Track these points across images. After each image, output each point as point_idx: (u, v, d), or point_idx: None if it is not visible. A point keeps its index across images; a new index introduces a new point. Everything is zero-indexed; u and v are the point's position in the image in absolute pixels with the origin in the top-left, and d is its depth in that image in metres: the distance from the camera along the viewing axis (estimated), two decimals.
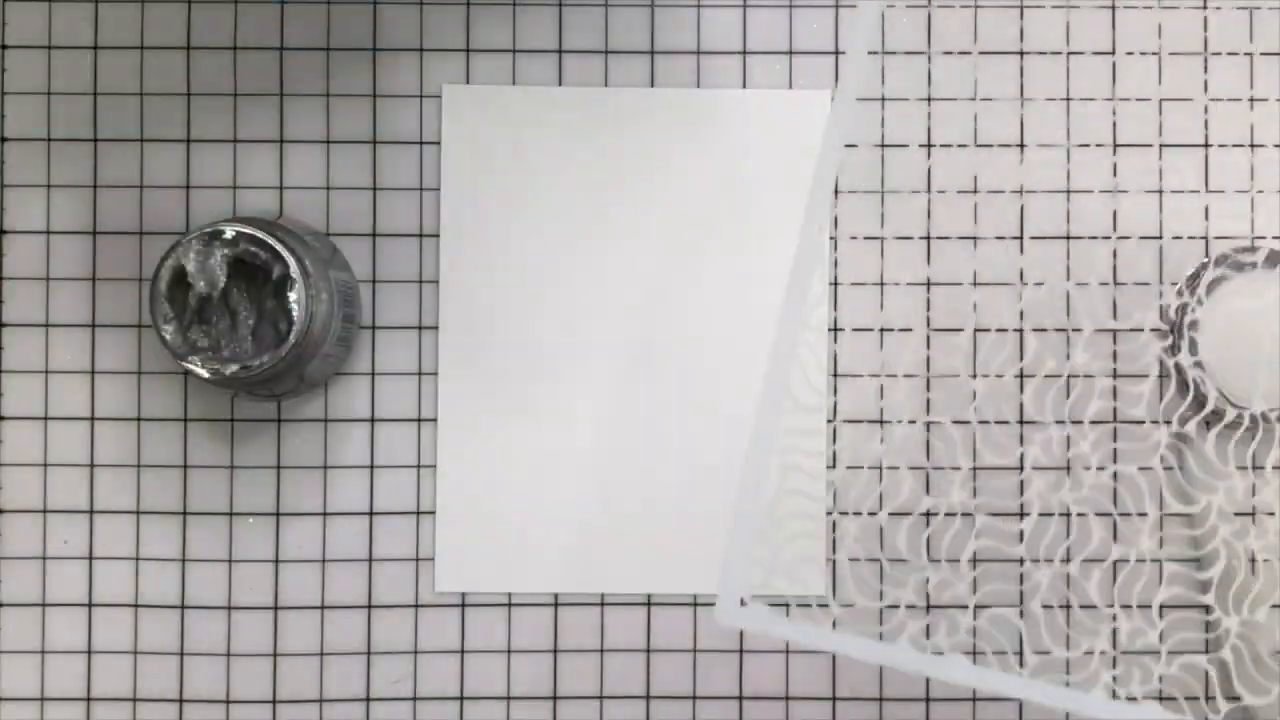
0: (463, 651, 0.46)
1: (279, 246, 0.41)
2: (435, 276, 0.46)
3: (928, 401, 0.46)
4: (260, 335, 0.42)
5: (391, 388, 0.46)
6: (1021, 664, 0.43)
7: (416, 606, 0.46)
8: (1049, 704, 0.33)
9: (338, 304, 0.43)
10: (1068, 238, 0.47)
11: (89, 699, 0.46)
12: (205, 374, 0.41)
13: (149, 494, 0.46)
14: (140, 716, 0.46)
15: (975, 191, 0.47)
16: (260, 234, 0.41)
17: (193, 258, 0.41)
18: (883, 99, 0.46)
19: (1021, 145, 0.47)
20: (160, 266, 0.41)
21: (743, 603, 0.33)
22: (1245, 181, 0.47)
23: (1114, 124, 0.47)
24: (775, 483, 0.34)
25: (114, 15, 0.47)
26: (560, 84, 0.46)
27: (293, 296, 0.41)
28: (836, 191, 0.46)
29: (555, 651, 0.46)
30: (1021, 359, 0.47)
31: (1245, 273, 0.45)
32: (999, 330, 0.47)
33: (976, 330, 0.47)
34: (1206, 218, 0.47)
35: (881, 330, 0.46)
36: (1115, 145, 0.47)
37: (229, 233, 0.41)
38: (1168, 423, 0.47)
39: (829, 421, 0.46)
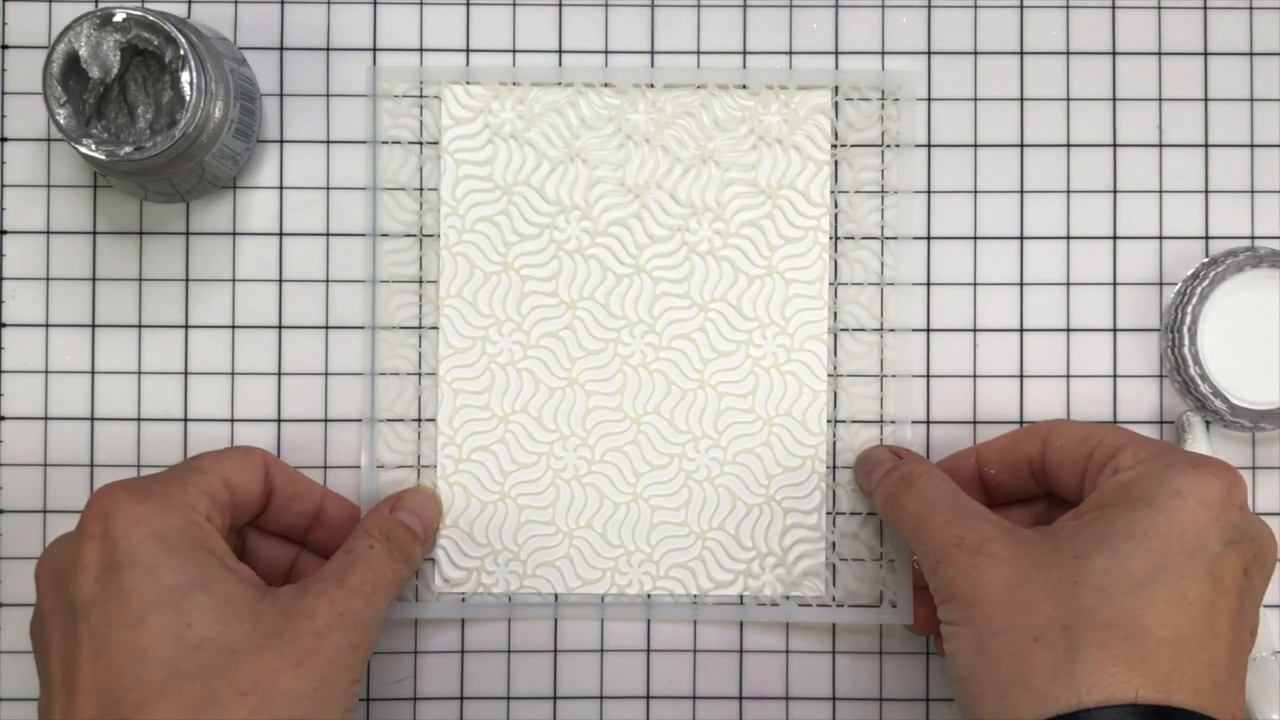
0: (463, 651, 0.46)
1: (170, 29, 0.41)
2: (435, 277, 0.46)
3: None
4: (157, 128, 0.42)
5: (393, 388, 0.46)
6: None
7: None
8: None
9: (234, 92, 0.43)
10: (1068, 238, 0.47)
11: None
12: (101, 156, 0.41)
13: None
14: None
15: (975, 191, 0.47)
16: (152, 17, 0.41)
17: (84, 42, 0.41)
18: (882, 98, 0.46)
19: (1021, 145, 0.47)
20: (53, 51, 0.41)
21: None
22: (1245, 181, 0.47)
23: (1114, 124, 0.47)
24: None
25: None
26: (560, 84, 0.46)
27: (185, 77, 0.40)
28: (835, 192, 0.46)
29: (555, 652, 0.46)
30: (1021, 359, 0.47)
31: (1245, 273, 0.46)
32: (1000, 330, 0.47)
33: (977, 330, 0.47)
34: (1206, 218, 0.47)
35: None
36: (1115, 145, 0.47)
37: (120, 15, 0.41)
38: (1169, 423, 0.47)
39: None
